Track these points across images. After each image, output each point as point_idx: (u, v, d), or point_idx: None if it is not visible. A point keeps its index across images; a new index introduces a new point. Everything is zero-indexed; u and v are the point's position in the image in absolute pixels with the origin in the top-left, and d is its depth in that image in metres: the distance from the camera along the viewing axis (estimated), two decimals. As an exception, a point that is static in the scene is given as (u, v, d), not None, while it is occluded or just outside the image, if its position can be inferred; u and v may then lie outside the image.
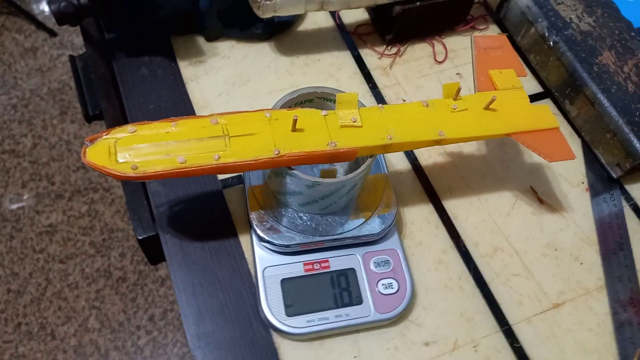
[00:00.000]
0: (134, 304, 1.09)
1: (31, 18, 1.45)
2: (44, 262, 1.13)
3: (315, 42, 0.50)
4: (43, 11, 1.50)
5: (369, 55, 0.49)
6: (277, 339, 0.35)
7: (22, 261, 1.12)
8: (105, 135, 0.30)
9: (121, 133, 0.30)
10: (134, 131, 0.30)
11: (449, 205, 0.41)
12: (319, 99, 0.36)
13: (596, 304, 0.38)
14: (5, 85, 1.37)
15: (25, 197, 1.20)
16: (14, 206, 1.19)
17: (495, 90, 0.37)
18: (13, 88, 1.36)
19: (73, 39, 1.46)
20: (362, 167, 0.33)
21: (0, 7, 1.47)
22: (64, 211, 1.20)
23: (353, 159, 0.33)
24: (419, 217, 0.41)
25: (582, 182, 0.44)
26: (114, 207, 1.21)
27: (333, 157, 0.32)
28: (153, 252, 0.42)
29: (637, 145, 0.41)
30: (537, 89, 0.49)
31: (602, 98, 0.43)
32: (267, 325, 0.34)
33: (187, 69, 0.46)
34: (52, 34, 1.46)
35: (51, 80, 1.39)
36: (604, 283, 0.39)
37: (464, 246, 0.40)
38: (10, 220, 1.17)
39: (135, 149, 0.30)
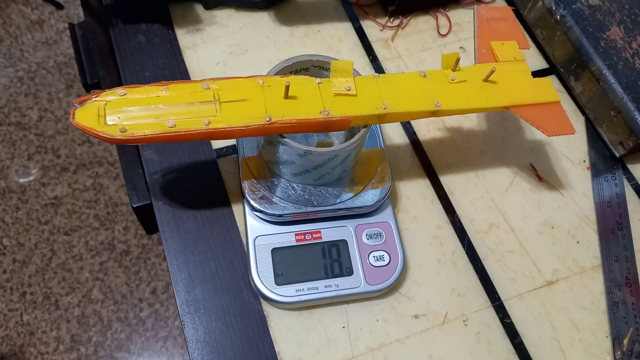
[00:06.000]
0: (137, 277, 1.10)
1: (37, -10, 1.43)
2: (49, 233, 1.14)
3: (315, 13, 0.49)
4: (50, -17, 1.49)
5: (370, 27, 0.48)
6: (267, 308, 0.35)
7: (27, 232, 1.14)
8: (95, 97, 0.30)
9: (111, 96, 0.30)
10: (124, 94, 0.30)
11: (446, 180, 0.41)
12: (314, 68, 0.35)
13: (591, 283, 0.38)
14: (12, 57, 1.37)
15: (31, 170, 1.21)
16: (20, 179, 1.20)
17: (496, 62, 0.36)
18: (19, 61, 1.36)
19: (79, 12, 1.45)
20: (356, 137, 0.32)
21: (7, -22, 1.46)
22: (69, 184, 1.20)
23: (347, 128, 0.32)
24: (415, 191, 0.40)
25: (584, 161, 0.43)
26: (119, 181, 1.22)
27: (326, 126, 0.32)
28: (148, 221, 0.43)
29: (642, 123, 0.40)
30: (542, 65, 0.48)
31: (607, 74, 0.42)
32: (257, 294, 0.34)
33: (185, 37, 0.46)
34: (59, 6, 1.45)
35: (57, 54, 1.38)
36: (600, 262, 0.38)
37: (459, 222, 0.39)
38: (16, 192, 1.18)
39: (125, 112, 0.29)
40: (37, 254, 1.11)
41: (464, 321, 0.35)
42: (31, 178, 1.19)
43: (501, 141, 0.43)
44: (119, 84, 0.45)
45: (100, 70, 0.48)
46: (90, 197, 1.19)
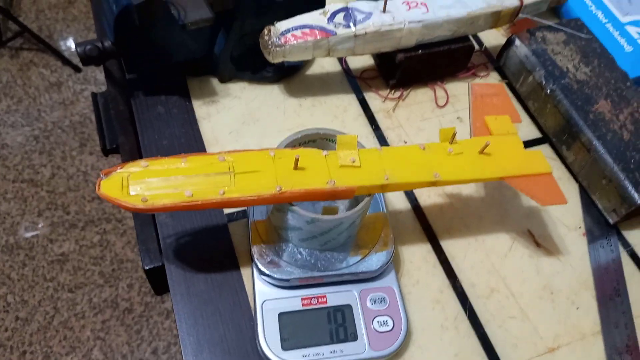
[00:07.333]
0: (139, 336, 1.09)
1: (58, 54, 1.52)
2: (53, 290, 1.14)
3: (322, 85, 0.52)
4: (69, 48, 1.58)
5: (373, 98, 0.52)
6: (273, 372, 0.35)
7: (32, 289, 1.14)
8: (120, 169, 0.32)
9: (134, 167, 0.32)
10: (146, 166, 0.32)
11: (447, 245, 0.42)
12: (321, 140, 0.38)
13: (592, 348, 0.38)
14: (29, 117, 1.43)
15: (40, 225, 1.23)
16: (29, 234, 1.22)
17: (490, 135, 0.39)
18: (36, 120, 1.42)
19: (96, 75, 1.52)
20: (360, 205, 0.34)
21: (30, 43, 1.55)
22: (77, 240, 1.22)
23: (351, 197, 0.34)
24: (417, 256, 0.42)
25: (579, 227, 0.45)
26: (125, 238, 1.23)
27: (332, 195, 0.34)
28: (158, 282, 0.44)
29: (632, 191, 0.42)
30: (535, 134, 0.51)
31: (597, 145, 0.44)
32: (264, 359, 0.35)
33: (201, 108, 0.49)
34: (77, 69, 1.53)
35: (73, 114, 1.44)
36: (600, 328, 0.39)
37: (461, 286, 0.40)
38: (24, 248, 1.19)
39: (147, 183, 0.32)
40: (40, 311, 1.11)
41: (467, 388, 0.36)
42: (38, 232, 1.21)
43: (499, 207, 0.45)
44: (137, 150, 0.48)
45: (120, 136, 0.51)
46: (96, 254, 1.20)
